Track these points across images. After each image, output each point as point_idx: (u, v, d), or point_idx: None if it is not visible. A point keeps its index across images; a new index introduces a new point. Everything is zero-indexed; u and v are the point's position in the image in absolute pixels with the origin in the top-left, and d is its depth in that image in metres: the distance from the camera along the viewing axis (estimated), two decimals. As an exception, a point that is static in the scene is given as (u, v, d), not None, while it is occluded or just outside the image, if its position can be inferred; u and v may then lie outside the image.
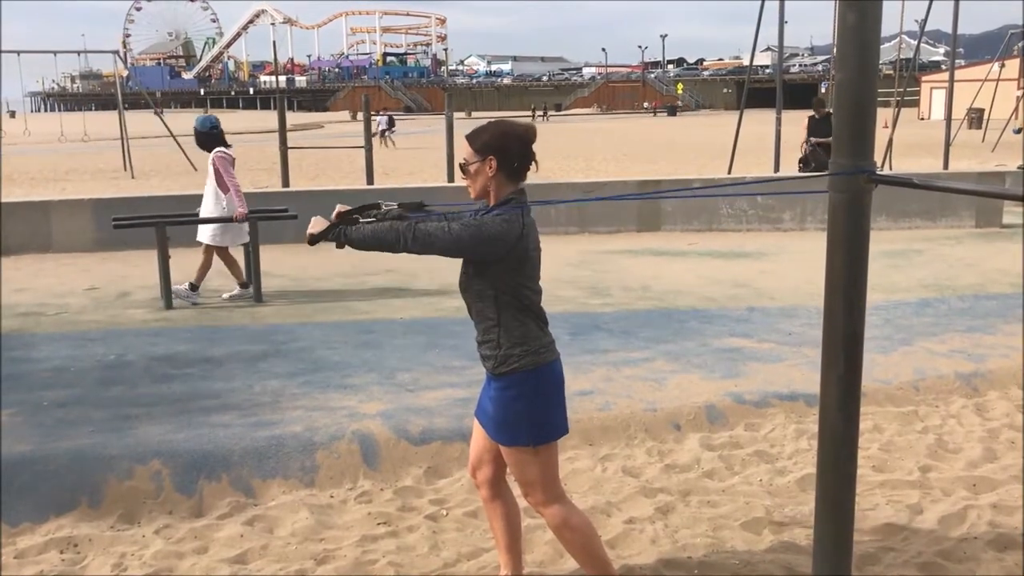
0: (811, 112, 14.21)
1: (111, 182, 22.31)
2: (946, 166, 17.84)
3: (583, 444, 4.80)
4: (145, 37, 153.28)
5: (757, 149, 21.78)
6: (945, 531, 3.85)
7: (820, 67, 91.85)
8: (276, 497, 4.28)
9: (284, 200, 9.92)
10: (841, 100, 2.40)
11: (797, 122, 17.87)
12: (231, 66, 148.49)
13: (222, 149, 8.12)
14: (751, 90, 19.90)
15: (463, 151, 3.01)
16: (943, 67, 62.85)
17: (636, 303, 8.03)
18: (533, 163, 3.00)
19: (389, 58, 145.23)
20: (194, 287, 8.21)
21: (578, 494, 4.21)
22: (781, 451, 4.78)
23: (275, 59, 57.41)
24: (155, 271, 8.11)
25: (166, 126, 24.52)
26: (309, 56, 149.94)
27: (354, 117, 70.09)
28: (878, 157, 8.99)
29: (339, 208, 3.01)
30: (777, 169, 16.66)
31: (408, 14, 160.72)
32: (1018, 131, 30.16)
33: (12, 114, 68.13)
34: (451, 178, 14.40)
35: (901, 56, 35.46)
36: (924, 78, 62.57)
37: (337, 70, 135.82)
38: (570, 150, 31.17)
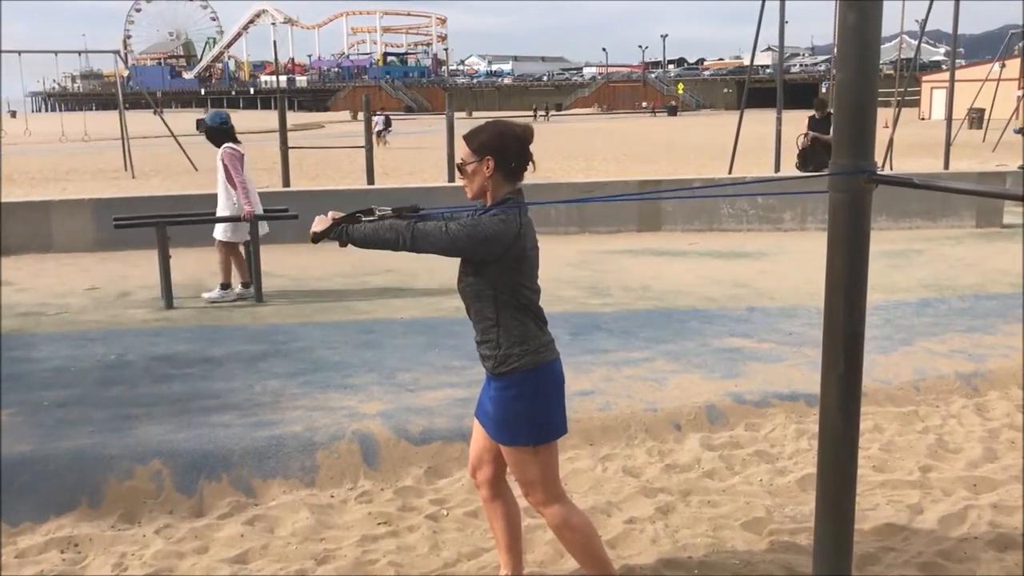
0: (811, 112, 14.19)
1: (111, 182, 22.31)
2: (947, 166, 17.85)
3: (583, 444, 4.80)
4: (146, 37, 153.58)
5: (757, 149, 21.77)
6: (945, 531, 3.85)
7: (821, 67, 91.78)
8: (276, 497, 4.29)
9: (284, 200, 9.91)
10: (841, 100, 2.40)
11: (797, 122, 17.81)
12: (232, 66, 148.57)
13: (231, 145, 8.07)
14: (751, 90, 19.91)
15: (460, 151, 3.02)
16: (944, 67, 62.77)
17: (636, 303, 8.04)
18: (530, 163, 3.01)
19: (390, 58, 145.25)
20: (225, 286, 8.20)
21: (578, 494, 4.21)
22: (781, 451, 4.78)
23: (276, 59, 57.36)
24: (155, 271, 8.11)
25: (167, 126, 24.55)
26: (310, 56, 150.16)
27: (354, 117, 70.10)
28: (878, 157, 8.97)
29: (332, 215, 3.04)
30: (777, 169, 16.67)
31: (409, 14, 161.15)
32: (1019, 131, 30.09)
33: (13, 114, 68.10)
34: (451, 178, 14.42)
35: (902, 56, 35.48)
36: (924, 78, 62.50)
37: (338, 70, 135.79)
38: (570, 150, 31.18)
